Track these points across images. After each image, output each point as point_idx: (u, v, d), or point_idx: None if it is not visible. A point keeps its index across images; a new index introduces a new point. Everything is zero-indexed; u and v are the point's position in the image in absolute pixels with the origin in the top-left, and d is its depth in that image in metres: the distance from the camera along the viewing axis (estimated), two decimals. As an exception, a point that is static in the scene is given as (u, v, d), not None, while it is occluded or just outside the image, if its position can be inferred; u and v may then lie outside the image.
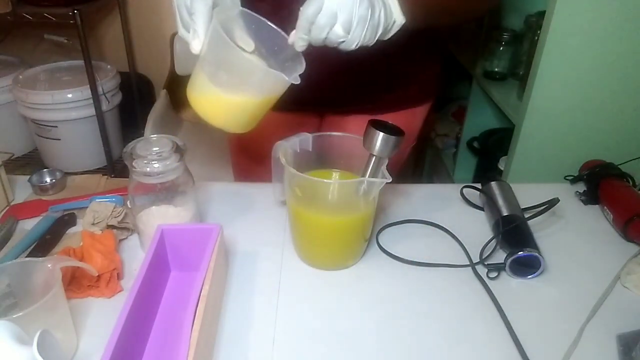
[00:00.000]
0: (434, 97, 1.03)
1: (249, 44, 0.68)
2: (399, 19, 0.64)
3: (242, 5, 0.68)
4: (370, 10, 0.60)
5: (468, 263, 0.76)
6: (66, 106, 1.78)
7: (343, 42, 0.62)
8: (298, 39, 0.62)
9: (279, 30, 0.66)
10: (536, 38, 1.12)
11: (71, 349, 0.61)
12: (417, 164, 2.18)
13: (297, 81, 0.65)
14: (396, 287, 0.72)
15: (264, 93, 0.66)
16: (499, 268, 0.74)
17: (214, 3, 0.64)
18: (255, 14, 0.66)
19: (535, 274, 0.74)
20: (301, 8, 0.61)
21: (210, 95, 0.66)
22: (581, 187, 0.93)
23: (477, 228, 0.84)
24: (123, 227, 0.79)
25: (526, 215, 0.80)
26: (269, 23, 0.66)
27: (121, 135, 2.00)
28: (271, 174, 0.78)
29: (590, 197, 0.90)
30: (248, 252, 0.78)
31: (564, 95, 1.11)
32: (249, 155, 1.07)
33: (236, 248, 0.78)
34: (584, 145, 1.16)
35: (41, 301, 0.53)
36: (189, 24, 0.65)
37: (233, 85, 0.65)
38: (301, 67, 0.66)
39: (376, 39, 0.64)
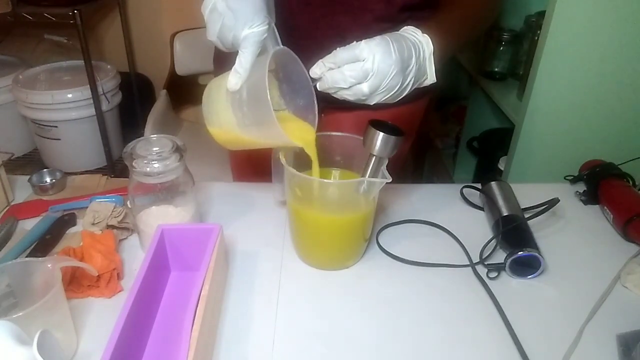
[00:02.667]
0: (432, 90, 1.02)
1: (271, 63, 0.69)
2: (430, 78, 0.69)
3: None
4: (400, 83, 0.64)
5: (468, 263, 0.76)
6: (66, 106, 1.78)
7: (364, 99, 0.64)
8: (316, 66, 0.64)
9: (303, 67, 0.67)
10: (536, 38, 1.12)
11: (71, 349, 0.61)
12: (417, 164, 2.18)
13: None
14: (396, 287, 0.72)
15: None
16: (499, 268, 0.74)
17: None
18: (291, 52, 0.67)
19: (535, 274, 0.74)
20: (338, 48, 0.63)
21: (232, 134, 0.68)
22: (581, 187, 0.93)
23: (477, 228, 0.84)
24: (123, 227, 0.79)
25: (526, 215, 0.80)
26: (297, 58, 0.67)
27: (121, 135, 2.00)
28: (269, 177, 0.78)
29: (590, 197, 0.90)
30: (248, 252, 0.78)
31: (564, 95, 1.11)
32: (248, 158, 1.07)
33: (236, 248, 0.78)
34: (584, 145, 1.16)
35: (41, 301, 0.53)
36: (228, 43, 0.64)
37: (258, 137, 0.68)
38: (313, 117, 0.70)
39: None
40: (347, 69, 0.62)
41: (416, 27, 0.68)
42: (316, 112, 0.71)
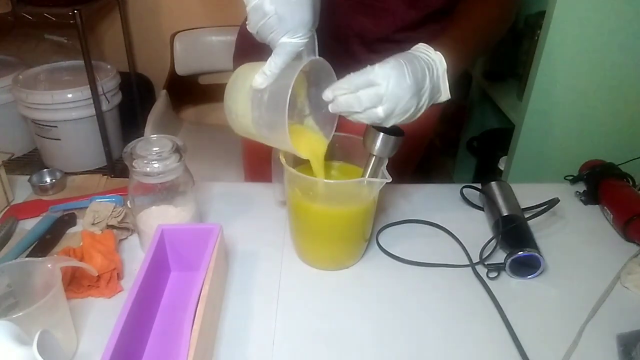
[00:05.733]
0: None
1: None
2: (445, 95, 0.68)
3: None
4: (415, 105, 0.63)
5: (468, 263, 0.76)
6: (66, 106, 1.78)
7: (379, 122, 0.64)
8: (328, 90, 0.63)
9: (335, 79, 0.67)
10: (536, 38, 1.12)
11: (71, 349, 0.61)
12: (417, 164, 2.18)
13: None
14: (396, 287, 0.72)
15: None
16: (499, 268, 0.74)
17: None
18: (326, 62, 0.66)
19: (535, 274, 0.74)
20: (351, 73, 0.62)
21: (244, 125, 0.68)
22: (581, 187, 0.93)
23: (477, 228, 0.84)
24: (123, 227, 0.79)
25: (526, 215, 0.80)
26: (331, 70, 0.67)
27: (121, 135, 2.00)
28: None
29: (590, 197, 0.90)
30: (248, 252, 0.78)
31: (564, 95, 1.11)
32: (259, 156, 1.07)
33: (236, 248, 0.78)
34: (584, 145, 1.16)
35: (41, 301, 0.53)
36: (265, 40, 0.63)
37: (267, 139, 0.68)
38: (330, 129, 0.71)
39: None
40: (361, 94, 0.61)
41: (429, 44, 0.67)
42: (335, 125, 0.71)
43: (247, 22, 0.64)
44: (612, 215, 0.84)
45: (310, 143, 0.72)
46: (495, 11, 0.79)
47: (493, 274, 0.73)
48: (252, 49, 0.69)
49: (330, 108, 0.64)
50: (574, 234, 0.84)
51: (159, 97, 1.89)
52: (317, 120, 0.73)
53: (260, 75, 0.63)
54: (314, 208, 0.72)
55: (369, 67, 0.62)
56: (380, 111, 0.61)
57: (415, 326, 0.66)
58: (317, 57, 0.66)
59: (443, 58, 0.66)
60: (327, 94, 0.63)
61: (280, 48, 0.62)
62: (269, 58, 0.63)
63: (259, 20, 0.62)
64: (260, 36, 0.64)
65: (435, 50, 0.66)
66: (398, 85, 0.61)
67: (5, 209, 0.85)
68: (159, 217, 0.74)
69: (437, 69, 0.66)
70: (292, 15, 0.61)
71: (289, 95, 0.60)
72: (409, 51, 0.67)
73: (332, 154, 0.77)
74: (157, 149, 0.70)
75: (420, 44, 0.68)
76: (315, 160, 0.71)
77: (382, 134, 0.66)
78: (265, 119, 0.65)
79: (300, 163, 0.74)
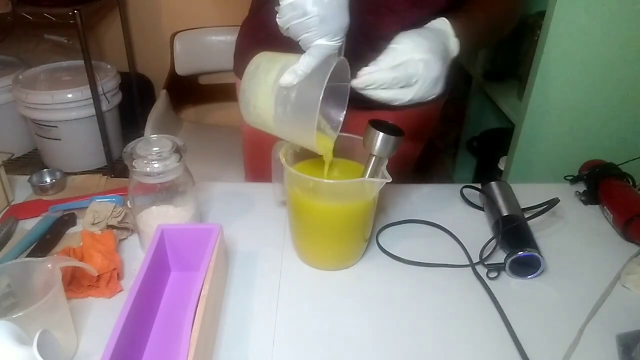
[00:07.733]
0: (446, 94, 1.02)
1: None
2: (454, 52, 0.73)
3: None
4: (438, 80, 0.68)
5: (468, 263, 0.76)
6: (66, 106, 1.78)
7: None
8: (364, 77, 0.65)
9: (349, 79, 0.68)
10: (536, 38, 1.12)
11: (71, 349, 0.61)
12: (417, 164, 2.18)
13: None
14: (396, 287, 0.72)
15: None
16: (499, 268, 0.74)
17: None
18: (347, 64, 0.67)
19: (535, 274, 0.74)
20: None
21: (262, 117, 0.68)
22: (581, 187, 0.93)
23: (477, 228, 0.84)
24: (123, 227, 0.79)
25: (526, 215, 0.80)
26: (349, 70, 0.68)
27: (121, 135, 2.00)
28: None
29: (590, 197, 0.90)
30: (248, 252, 0.78)
31: (564, 95, 1.11)
32: (261, 155, 1.07)
33: (236, 248, 0.79)
34: (584, 145, 1.16)
35: (41, 301, 0.53)
36: (295, 37, 0.62)
37: (285, 133, 0.68)
38: (337, 125, 0.73)
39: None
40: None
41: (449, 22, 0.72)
42: (341, 120, 0.72)
43: (278, 16, 0.62)
44: (612, 216, 0.84)
45: (322, 138, 0.72)
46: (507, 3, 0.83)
47: (493, 274, 0.73)
48: (252, 48, 0.69)
49: (356, 84, 0.66)
50: (574, 234, 0.84)
51: (159, 97, 1.90)
52: (324, 111, 0.73)
53: (290, 74, 0.62)
54: (314, 208, 0.72)
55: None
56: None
57: (415, 326, 0.66)
58: (342, 57, 0.66)
59: (458, 46, 0.72)
60: (358, 82, 0.65)
61: (315, 49, 0.61)
62: (302, 57, 0.62)
63: (295, 18, 0.60)
64: (292, 33, 0.62)
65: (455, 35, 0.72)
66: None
67: (5, 209, 0.85)
68: (159, 217, 0.74)
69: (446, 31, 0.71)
70: (335, 18, 0.60)
71: (320, 97, 0.60)
72: (433, 29, 0.71)
73: (333, 153, 0.77)
74: (157, 149, 0.70)
75: (443, 21, 0.73)
76: (328, 155, 0.72)
77: (382, 133, 0.66)
78: (290, 117, 0.64)
79: (300, 162, 0.74)
